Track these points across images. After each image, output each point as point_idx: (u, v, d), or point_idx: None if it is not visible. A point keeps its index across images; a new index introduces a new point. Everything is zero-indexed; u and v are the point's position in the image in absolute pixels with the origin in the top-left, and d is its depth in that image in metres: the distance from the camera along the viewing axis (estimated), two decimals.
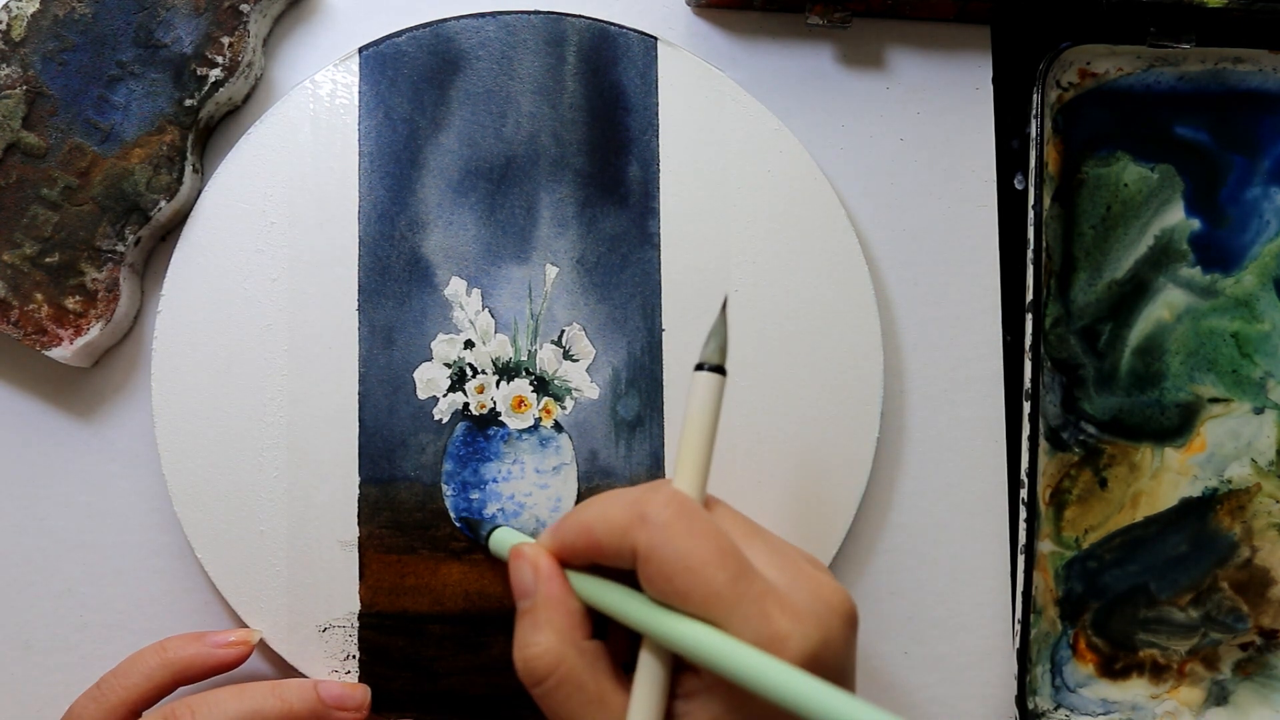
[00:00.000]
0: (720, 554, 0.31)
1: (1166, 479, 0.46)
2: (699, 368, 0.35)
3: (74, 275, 0.41)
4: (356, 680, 0.42)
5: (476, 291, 0.43)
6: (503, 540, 0.40)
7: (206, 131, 0.44)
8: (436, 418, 0.42)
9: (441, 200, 0.43)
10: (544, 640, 0.34)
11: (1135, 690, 0.45)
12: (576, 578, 0.36)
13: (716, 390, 0.35)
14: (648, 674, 0.33)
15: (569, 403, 0.43)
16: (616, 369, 0.43)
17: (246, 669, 0.43)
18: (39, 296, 0.41)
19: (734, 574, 0.31)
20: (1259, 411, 0.46)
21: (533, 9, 0.44)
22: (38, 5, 0.41)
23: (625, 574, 0.34)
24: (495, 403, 0.43)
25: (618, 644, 0.36)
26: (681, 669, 0.33)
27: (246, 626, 0.42)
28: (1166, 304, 0.46)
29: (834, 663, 0.31)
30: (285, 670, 0.42)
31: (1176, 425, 0.46)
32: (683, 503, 0.33)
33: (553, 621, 0.34)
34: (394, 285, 0.43)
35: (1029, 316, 0.44)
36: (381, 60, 0.43)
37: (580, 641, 0.34)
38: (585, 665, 0.33)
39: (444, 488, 0.42)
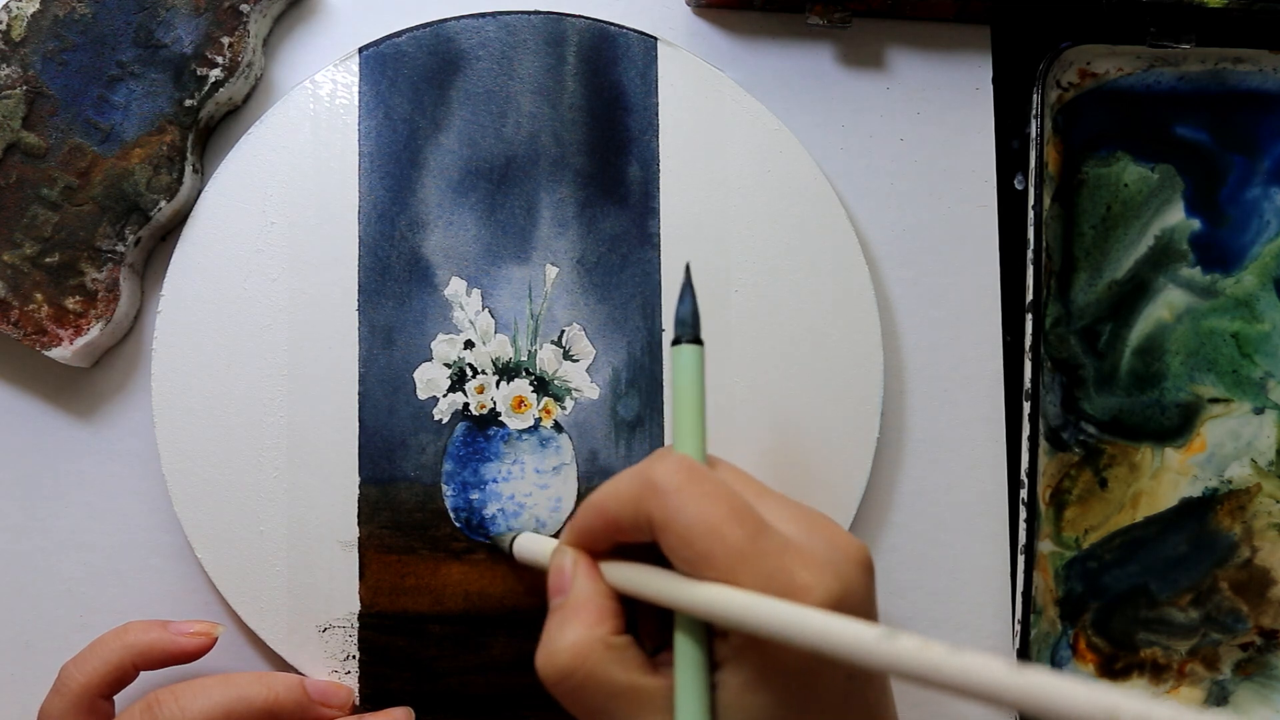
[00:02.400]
0: (735, 512, 0.31)
1: (1166, 479, 0.46)
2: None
3: (74, 275, 0.41)
4: (357, 680, 0.42)
5: (476, 291, 0.43)
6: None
7: (206, 131, 0.44)
8: (436, 418, 0.42)
9: (441, 200, 0.43)
10: (570, 636, 0.33)
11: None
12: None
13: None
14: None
15: (569, 403, 0.43)
16: (616, 369, 0.43)
17: (253, 669, 0.43)
18: (39, 296, 0.41)
19: (752, 531, 0.31)
20: (1259, 412, 0.46)
21: (533, 9, 0.44)
22: (38, 5, 0.41)
23: (653, 554, 0.34)
24: (495, 403, 0.43)
25: (649, 629, 0.36)
26: (711, 637, 0.33)
27: (247, 628, 0.42)
28: (1167, 304, 0.46)
29: (856, 610, 0.31)
30: (285, 671, 0.42)
31: (1176, 425, 0.46)
32: (691, 466, 0.33)
33: (581, 618, 0.33)
34: (394, 285, 0.43)
35: (1029, 316, 0.44)
36: (381, 60, 0.43)
37: (608, 637, 0.33)
38: (612, 659, 0.33)
39: (444, 488, 0.42)
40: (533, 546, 0.39)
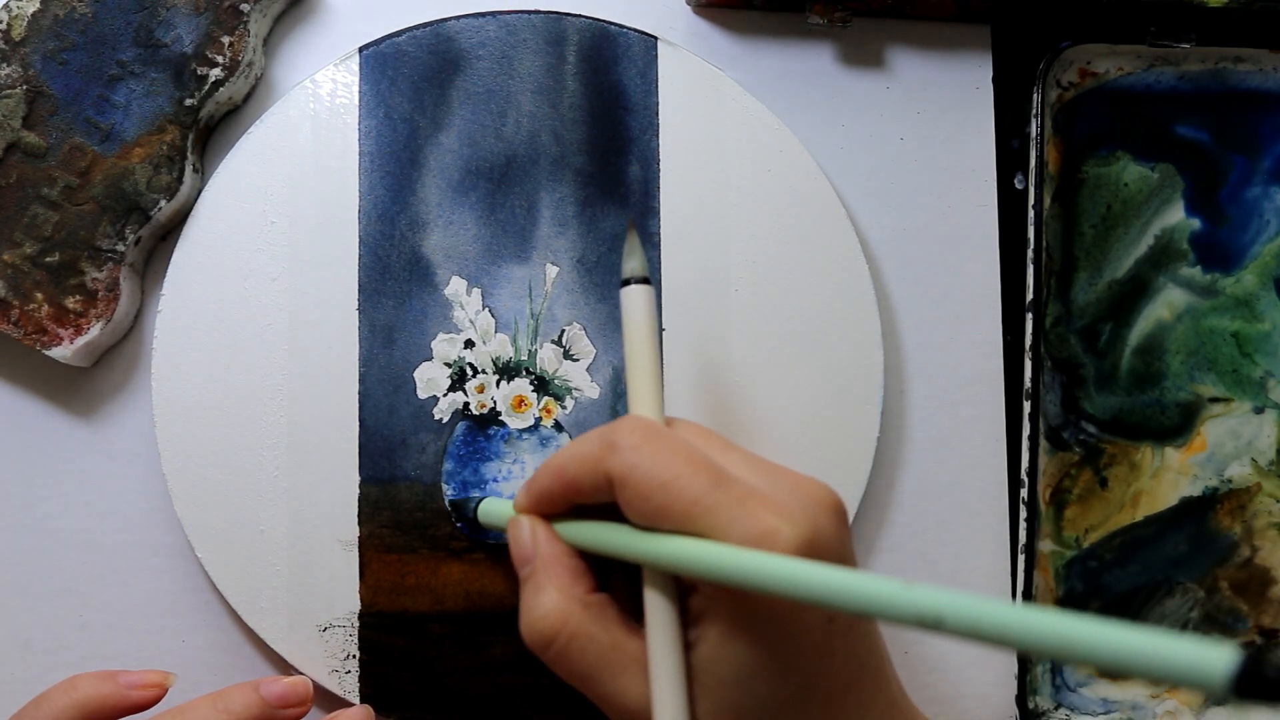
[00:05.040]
0: (693, 464, 0.32)
1: (1167, 478, 0.46)
2: (625, 284, 0.35)
3: (74, 275, 0.41)
4: (357, 681, 0.42)
5: (477, 291, 0.43)
6: (493, 511, 0.40)
7: (206, 131, 0.44)
8: (437, 417, 0.42)
9: (442, 200, 0.43)
10: (547, 601, 0.33)
11: (1135, 690, 0.45)
12: (564, 527, 0.35)
13: (651, 302, 0.36)
14: (657, 607, 0.33)
15: (569, 402, 0.43)
16: (617, 368, 0.43)
17: (253, 668, 0.43)
18: (39, 296, 0.41)
19: (711, 481, 0.31)
20: (1259, 411, 0.46)
21: (533, 8, 0.44)
22: (38, 5, 0.41)
23: (608, 516, 0.34)
24: (495, 402, 0.43)
25: (622, 594, 0.36)
26: (684, 595, 0.33)
27: (247, 627, 0.42)
28: (1167, 303, 0.46)
29: (829, 554, 0.31)
30: (285, 670, 0.42)
31: (1177, 425, 0.46)
32: (649, 425, 0.33)
33: (554, 581, 0.34)
34: (394, 285, 0.43)
35: (1029, 316, 0.44)
36: (382, 60, 0.43)
37: (584, 596, 0.34)
38: (592, 618, 0.33)
39: (444, 487, 0.42)
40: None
